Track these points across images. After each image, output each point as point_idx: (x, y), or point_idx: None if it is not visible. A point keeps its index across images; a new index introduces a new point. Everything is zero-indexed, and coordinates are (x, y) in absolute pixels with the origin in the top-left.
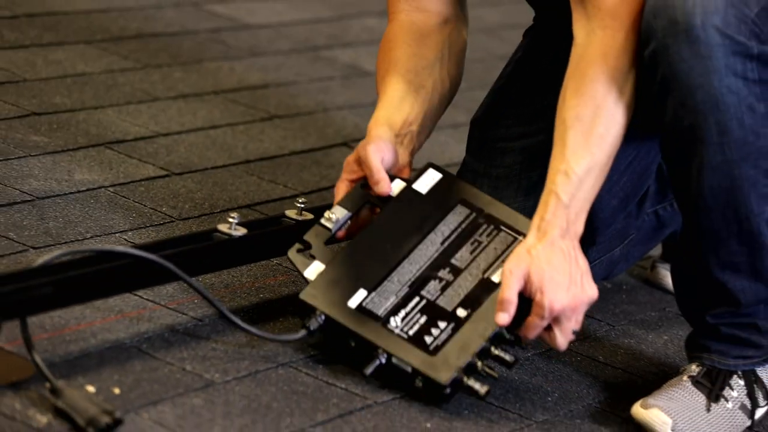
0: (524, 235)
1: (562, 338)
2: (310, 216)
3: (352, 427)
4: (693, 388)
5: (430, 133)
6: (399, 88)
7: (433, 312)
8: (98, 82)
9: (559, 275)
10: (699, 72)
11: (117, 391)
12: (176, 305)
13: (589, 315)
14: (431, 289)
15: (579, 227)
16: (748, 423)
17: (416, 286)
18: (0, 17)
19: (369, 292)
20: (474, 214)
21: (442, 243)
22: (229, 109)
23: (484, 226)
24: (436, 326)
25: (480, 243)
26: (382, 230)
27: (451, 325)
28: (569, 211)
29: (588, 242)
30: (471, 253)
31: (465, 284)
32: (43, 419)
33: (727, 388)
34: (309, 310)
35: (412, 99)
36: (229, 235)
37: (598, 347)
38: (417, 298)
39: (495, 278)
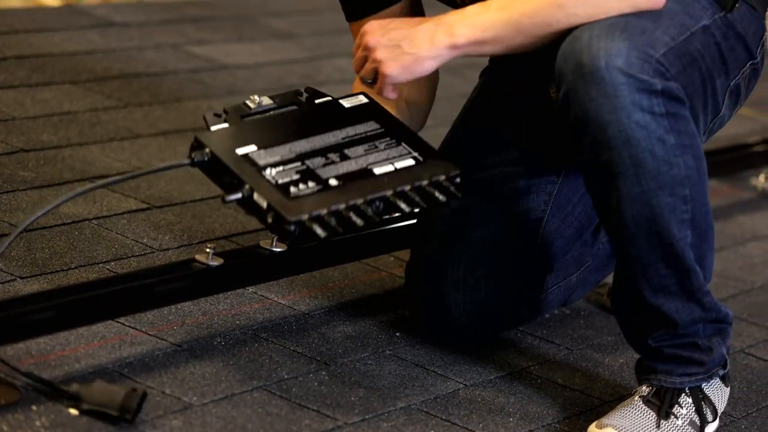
0: (420, 153)
1: (355, 57)
2: (284, 246)
3: None
4: (644, 407)
5: None
6: None
7: (308, 176)
8: (83, 120)
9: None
10: (608, 110)
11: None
12: (156, 332)
13: (548, 339)
14: (315, 162)
15: (464, 33)
16: None
17: (303, 157)
18: None
19: (258, 149)
20: (382, 129)
21: (343, 138)
22: None
23: (387, 138)
24: (305, 184)
25: (376, 147)
26: (294, 118)
27: (319, 187)
28: (465, 18)
29: (546, 269)
30: (365, 150)
31: (347, 166)
32: None
33: (676, 405)
34: (197, 148)
35: None
36: (207, 264)
37: (557, 370)
38: (299, 163)
39: (376, 170)
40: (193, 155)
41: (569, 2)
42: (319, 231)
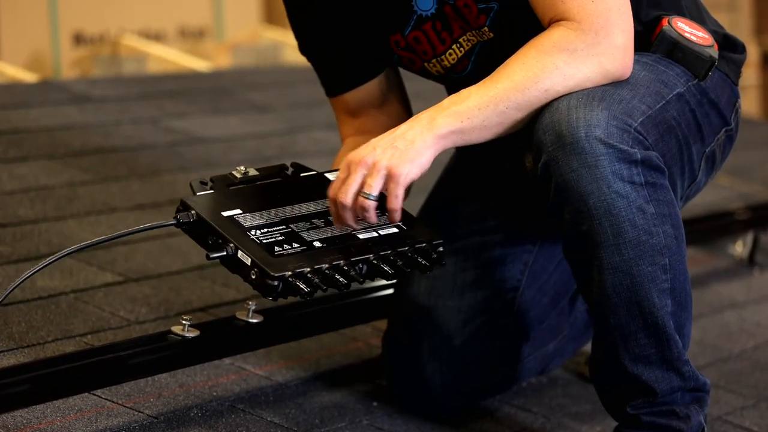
0: (403, 223)
1: (344, 187)
2: (260, 317)
3: None
4: None
5: None
6: None
7: (293, 238)
8: (60, 195)
9: (381, 137)
10: (588, 180)
11: None
12: (132, 404)
13: (526, 408)
14: (300, 226)
15: (444, 123)
16: None
17: (288, 221)
18: None
19: (243, 213)
20: None
21: (328, 207)
22: None
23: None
24: (289, 245)
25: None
26: (279, 187)
27: (303, 248)
28: (456, 107)
29: (522, 338)
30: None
31: (331, 231)
32: None
33: None
34: (183, 210)
35: None
36: (183, 336)
37: None
38: (283, 226)
39: (360, 236)
40: (178, 216)
41: (552, 82)
42: (303, 287)
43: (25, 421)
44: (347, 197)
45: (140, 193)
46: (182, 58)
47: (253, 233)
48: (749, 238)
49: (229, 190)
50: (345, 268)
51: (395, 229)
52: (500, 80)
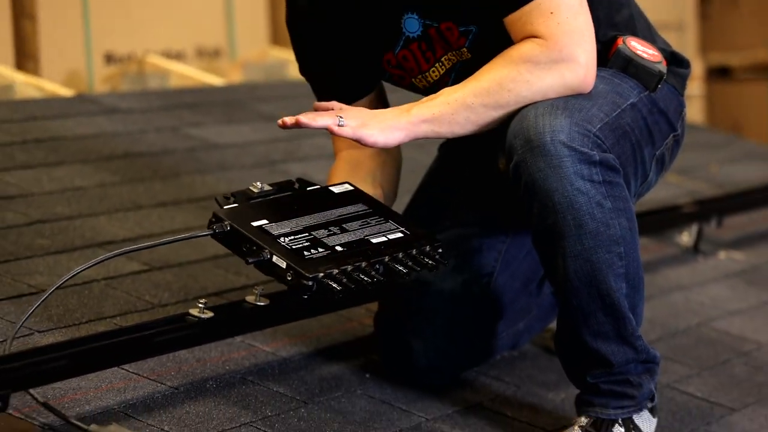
0: (406, 228)
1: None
2: (267, 301)
3: None
4: None
5: None
6: None
7: (317, 243)
8: (92, 195)
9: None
10: (553, 179)
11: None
12: (156, 376)
13: (499, 378)
14: (320, 233)
15: (418, 112)
16: None
17: (309, 229)
18: (13, 143)
19: (270, 222)
20: (370, 209)
21: (339, 216)
22: (201, 214)
23: (376, 216)
24: (316, 249)
25: (368, 223)
26: (294, 200)
27: (328, 252)
28: (440, 105)
29: (496, 318)
30: (359, 225)
31: (347, 236)
32: None
33: None
34: (217, 221)
35: None
36: (199, 318)
37: (506, 405)
38: (306, 234)
39: (373, 240)
40: (214, 228)
41: (516, 86)
42: (335, 286)
43: (62, 392)
44: (300, 118)
45: (162, 192)
46: (199, 74)
47: (282, 240)
48: (694, 229)
49: (250, 203)
50: (366, 268)
51: (401, 234)
52: (470, 82)
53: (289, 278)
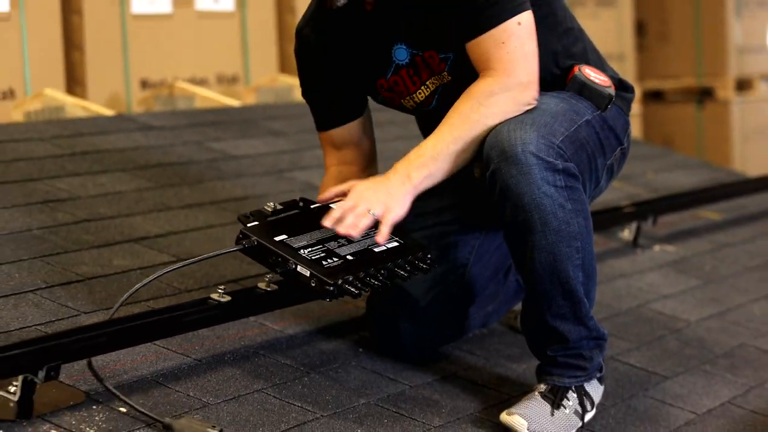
0: (400, 238)
1: (342, 226)
2: (276, 287)
3: None
4: (541, 400)
5: None
6: None
7: (330, 254)
8: (130, 198)
9: (373, 184)
10: (523, 184)
11: (142, 410)
12: (183, 351)
13: (472, 352)
14: (332, 245)
15: (421, 179)
16: (580, 424)
17: (322, 242)
18: (63, 155)
19: (289, 237)
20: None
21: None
22: (221, 215)
23: (374, 229)
24: (332, 259)
25: (369, 235)
26: (304, 217)
27: (342, 261)
28: (424, 161)
29: (469, 302)
30: (362, 237)
31: (355, 247)
32: (90, 430)
33: (565, 399)
34: (245, 238)
35: None
36: (219, 301)
37: (477, 374)
38: (321, 246)
39: (375, 250)
40: (244, 243)
41: (482, 118)
42: (352, 289)
43: (104, 363)
44: (350, 231)
45: (189, 196)
46: (220, 97)
47: (303, 252)
48: (634, 226)
49: (268, 221)
50: (374, 273)
51: (396, 243)
52: (446, 128)
53: (313, 284)
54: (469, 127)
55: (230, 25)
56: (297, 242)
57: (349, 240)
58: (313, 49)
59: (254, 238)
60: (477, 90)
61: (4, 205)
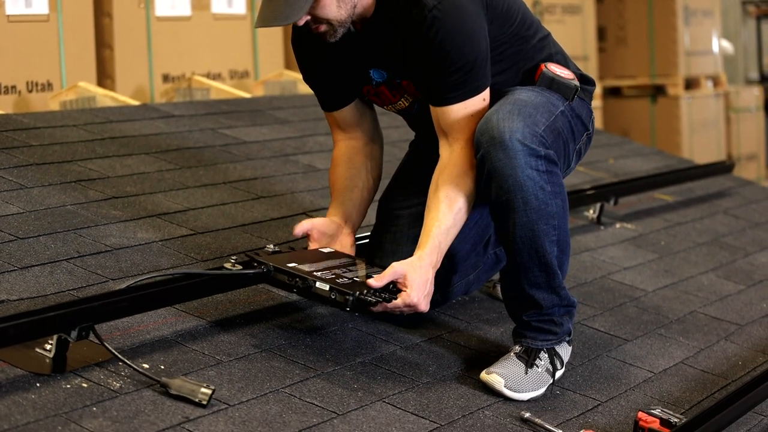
0: (383, 268)
1: (399, 310)
2: (240, 267)
3: (307, 387)
4: (517, 360)
5: (365, 213)
6: (341, 191)
7: (340, 276)
8: (153, 178)
9: (423, 287)
10: (509, 167)
11: (162, 367)
12: (199, 314)
13: (455, 317)
14: (337, 271)
15: (439, 262)
16: (551, 381)
17: (327, 269)
18: (94, 139)
19: (298, 265)
20: (354, 260)
21: (340, 263)
22: (233, 193)
23: (364, 264)
24: (343, 278)
25: (363, 268)
26: (300, 255)
27: (350, 281)
28: (440, 249)
29: (452, 271)
30: (358, 269)
31: (356, 273)
32: (116, 384)
33: (537, 359)
34: (261, 264)
35: (349, 196)
36: (231, 270)
37: (460, 337)
38: (328, 270)
39: (374, 274)
40: (263, 268)
41: (462, 192)
42: (371, 299)
43: (129, 325)
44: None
45: (204, 176)
46: (232, 90)
47: (316, 273)
48: (597, 206)
49: (272, 256)
50: (382, 289)
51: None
52: (437, 216)
53: (333, 297)
54: (459, 209)
55: (242, 26)
56: (307, 267)
57: (350, 269)
58: (308, 46)
59: (271, 264)
60: (454, 173)
61: (42, 184)
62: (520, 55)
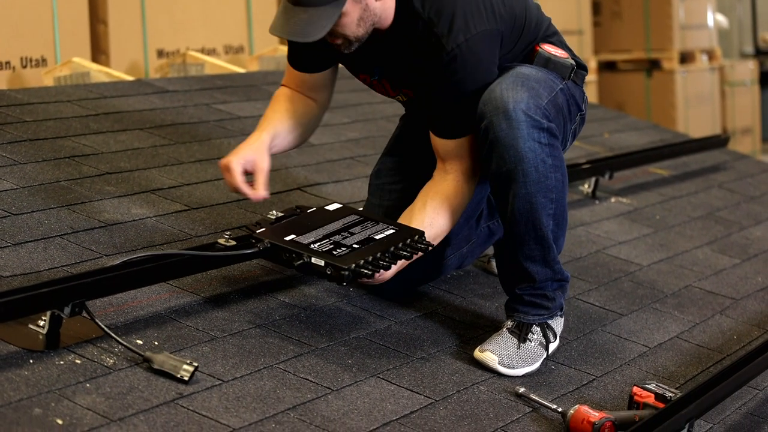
0: (395, 227)
1: None
2: (234, 242)
3: (301, 363)
4: (509, 336)
5: (285, 148)
6: (273, 118)
7: (337, 245)
8: (147, 153)
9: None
10: (511, 138)
11: (156, 343)
12: (193, 289)
13: (450, 291)
14: (337, 238)
15: None
16: (545, 354)
17: (327, 237)
18: (89, 115)
19: (296, 236)
20: (362, 217)
21: (343, 225)
22: None
23: (368, 221)
24: (339, 249)
25: (366, 226)
26: (304, 219)
27: (348, 250)
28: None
29: (445, 245)
30: (361, 228)
31: (357, 237)
32: (110, 361)
33: (530, 333)
34: (258, 242)
35: (281, 124)
36: (225, 245)
37: (455, 311)
38: (327, 240)
39: (376, 237)
40: (259, 246)
41: (455, 213)
42: (366, 271)
43: (122, 301)
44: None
45: (198, 152)
46: (227, 65)
47: (313, 246)
48: (592, 180)
49: (274, 226)
50: (380, 257)
51: (393, 230)
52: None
53: (329, 272)
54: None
55: (236, 1)
56: (306, 239)
57: (352, 232)
58: None
59: (267, 240)
60: (443, 205)
61: (36, 159)
62: (522, 45)
